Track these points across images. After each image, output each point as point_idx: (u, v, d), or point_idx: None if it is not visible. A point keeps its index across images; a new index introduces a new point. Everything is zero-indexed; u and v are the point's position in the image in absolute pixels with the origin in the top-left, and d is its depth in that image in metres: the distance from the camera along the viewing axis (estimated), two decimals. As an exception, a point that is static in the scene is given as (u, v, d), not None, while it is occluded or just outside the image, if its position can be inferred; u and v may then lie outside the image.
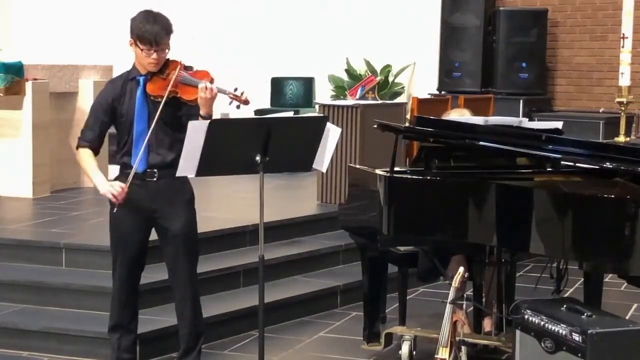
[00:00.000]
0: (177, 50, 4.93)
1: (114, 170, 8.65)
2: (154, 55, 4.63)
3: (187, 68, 4.75)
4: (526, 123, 5.51)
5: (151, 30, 4.59)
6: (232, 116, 4.98)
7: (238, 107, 4.71)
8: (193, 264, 4.90)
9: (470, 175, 5.05)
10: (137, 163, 4.64)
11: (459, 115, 6.11)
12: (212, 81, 4.62)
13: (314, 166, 4.65)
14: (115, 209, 4.65)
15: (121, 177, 4.77)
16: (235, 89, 4.67)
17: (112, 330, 4.95)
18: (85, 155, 4.76)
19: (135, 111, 4.70)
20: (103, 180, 4.68)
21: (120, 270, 4.88)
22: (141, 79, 4.71)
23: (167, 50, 4.67)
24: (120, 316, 4.93)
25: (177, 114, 4.68)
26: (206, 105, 4.59)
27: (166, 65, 4.70)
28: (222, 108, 5.32)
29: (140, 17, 4.66)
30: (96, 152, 4.79)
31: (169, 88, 4.60)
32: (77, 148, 4.81)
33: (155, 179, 4.70)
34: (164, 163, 4.70)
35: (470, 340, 5.01)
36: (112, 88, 4.78)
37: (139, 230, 4.81)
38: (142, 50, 4.63)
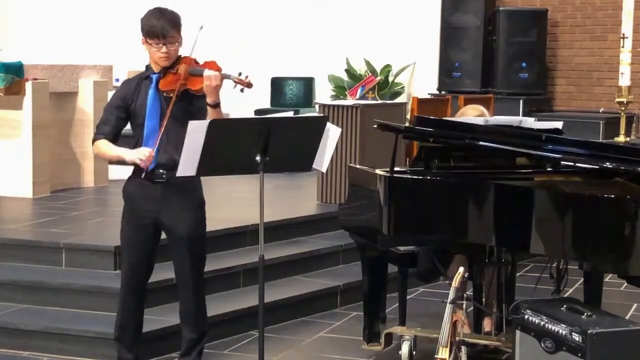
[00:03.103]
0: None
1: (114, 170, 8.76)
2: (164, 49, 4.66)
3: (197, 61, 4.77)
4: (528, 122, 5.48)
5: (157, 24, 4.64)
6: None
7: (242, 90, 4.70)
8: (199, 266, 4.89)
9: (471, 175, 5.05)
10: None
11: (473, 109, 6.06)
12: (219, 70, 4.62)
13: (314, 166, 4.64)
14: (144, 174, 4.62)
15: (134, 175, 4.75)
16: (240, 74, 4.68)
17: (117, 336, 4.94)
18: (102, 143, 4.75)
19: (147, 108, 4.70)
20: (127, 150, 4.68)
21: (126, 272, 4.86)
22: (154, 76, 4.72)
23: (177, 44, 4.70)
24: (124, 319, 4.90)
25: (189, 109, 4.65)
26: (212, 93, 4.59)
27: (178, 61, 4.73)
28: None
29: (148, 14, 4.72)
30: (113, 143, 4.77)
31: (180, 81, 4.62)
32: (93, 142, 4.81)
33: (163, 181, 4.66)
34: (173, 162, 4.56)
35: (470, 340, 5.01)
36: (126, 88, 4.81)
37: (145, 231, 4.78)
38: (151, 45, 4.66)
